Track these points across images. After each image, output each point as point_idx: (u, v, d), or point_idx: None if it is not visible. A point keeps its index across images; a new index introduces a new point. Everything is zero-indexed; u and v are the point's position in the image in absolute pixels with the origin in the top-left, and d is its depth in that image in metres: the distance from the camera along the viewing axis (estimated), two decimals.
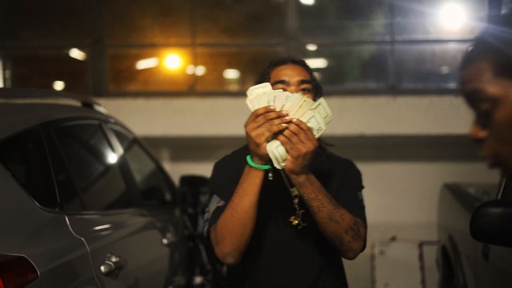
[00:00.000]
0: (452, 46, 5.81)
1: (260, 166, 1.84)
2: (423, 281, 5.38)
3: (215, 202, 2.01)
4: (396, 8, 5.67)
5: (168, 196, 4.15)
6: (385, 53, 5.79)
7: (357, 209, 2.01)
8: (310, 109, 1.84)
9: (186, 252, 4.03)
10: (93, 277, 2.46)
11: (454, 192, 4.21)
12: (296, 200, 2.00)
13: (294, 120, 1.80)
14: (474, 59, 1.07)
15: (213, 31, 6.08)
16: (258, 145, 1.79)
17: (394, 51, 5.69)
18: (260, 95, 1.85)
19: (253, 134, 1.79)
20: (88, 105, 3.45)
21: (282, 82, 1.97)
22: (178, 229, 3.88)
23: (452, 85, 5.66)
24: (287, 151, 1.80)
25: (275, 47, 5.95)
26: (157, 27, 6.10)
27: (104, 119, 3.39)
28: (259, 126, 1.79)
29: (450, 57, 5.78)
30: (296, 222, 2.02)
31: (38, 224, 2.28)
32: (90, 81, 6.02)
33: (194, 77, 5.95)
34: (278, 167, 1.83)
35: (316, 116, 1.84)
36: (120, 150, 3.44)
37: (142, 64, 6.26)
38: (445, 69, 5.91)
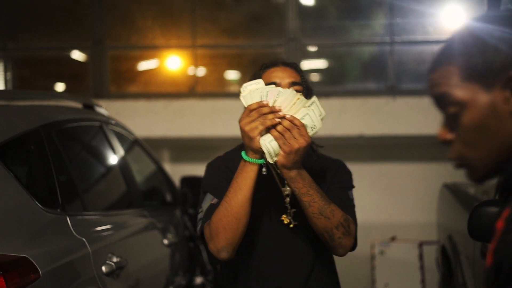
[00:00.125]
0: None
1: (254, 160, 1.88)
2: (423, 281, 5.40)
3: (209, 200, 2.04)
4: (396, 9, 5.69)
5: (168, 197, 4.17)
6: (384, 54, 5.81)
7: (348, 207, 2.03)
8: (304, 107, 1.87)
9: (187, 253, 4.05)
10: (94, 277, 2.48)
11: (454, 192, 4.23)
12: (287, 199, 2.04)
13: (288, 116, 1.83)
14: (443, 62, 1.08)
15: (214, 32, 6.10)
16: (251, 139, 1.83)
17: (393, 52, 5.71)
18: (253, 90, 1.89)
19: (246, 128, 1.83)
20: (89, 107, 3.47)
21: (273, 84, 2.00)
22: (179, 230, 3.90)
23: None
24: (280, 146, 1.83)
25: (275, 48, 5.97)
26: (157, 28, 6.12)
27: (105, 121, 3.41)
28: (252, 121, 1.83)
29: None
30: (288, 220, 2.05)
31: (40, 225, 2.30)
32: (91, 83, 6.05)
33: (194, 79, 5.98)
34: (271, 161, 1.87)
35: (310, 113, 1.87)
36: (121, 151, 3.46)
37: (143, 66, 6.28)
38: None
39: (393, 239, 5.59)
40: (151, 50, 6.14)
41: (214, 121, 5.46)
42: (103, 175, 3.40)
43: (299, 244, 2.07)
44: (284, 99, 1.86)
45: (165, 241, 3.51)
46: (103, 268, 2.56)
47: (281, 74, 2.04)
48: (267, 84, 1.98)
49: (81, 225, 2.56)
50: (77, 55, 6.38)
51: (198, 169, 5.48)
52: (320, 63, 6.35)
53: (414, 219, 5.67)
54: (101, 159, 3.41)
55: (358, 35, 5.99)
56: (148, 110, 5.63)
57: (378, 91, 5.70)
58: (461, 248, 3.61)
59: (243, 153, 1.90)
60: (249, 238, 2.01)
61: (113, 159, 3.38)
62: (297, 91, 1.97)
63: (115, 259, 2.66)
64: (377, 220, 5.71)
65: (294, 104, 1.86)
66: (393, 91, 5.58)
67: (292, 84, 2.02)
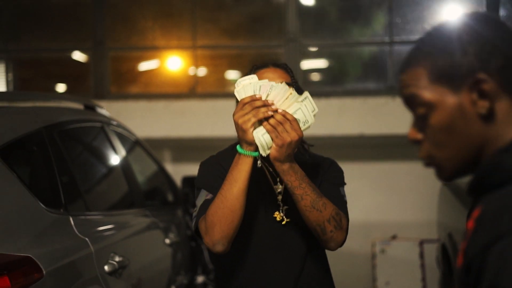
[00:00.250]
0: None
1: (249, 152, 1.92)
2: (423, 279, 5.42)
3: (203, 196, 2.08)
4: (395, 9, 5.71)
5: (170, 197, 4.20)
6: (384, 54, 5.84)
7: (339, 203, 2.06)
8: (297, 102, 1.92)
9: (189, 252, 4.07)
10: (97, 276, 2.51)
11: (454, 191, 4.25)
12: (279, 197, 2.09)
13: (280, 110, 1.88)
14: (412, 64, 1.10)
15: (214, 33, 6.12)
16: (244, 131, 1.88)
17: (393, 52, 5.73)
18: (246, 85, 1.94)
19: (240, 121, 1.88)
20: (90, 108, 3.49)
21: None
22: (181, 229, 3.93)
23: None
24: (272, 139, 1.88)
25: (275, 48, 6.00)
26: (158, 29, 6.14)
27: (106, 122, 3.43)
28: (246, 114, 1.88)
29: None
30: (280, 217, 2.09)
31: (43, 225, 2.33)
32: (92, 83, 6.07)
33: (195, 79, 6.00)
34: (264, 154, 1.90)
35: (303, 108, 1.91)
36: (122, 152, 3.48)
37: (143, 66, 6.30)
38: None
39: (393, 237, 5.61)
40: (151, 51, 6.16)
41: (215, 122, 5.48)
42: (105, 175, 3.42)
43: (292, 240, 2.10)
44: (277, 93, 1.90)
45: (167, 241, 3.53)
46: (106, 267, 2.58)
47: (272, 75, 2.07)
48: None
49: (84, 225, 2.59)
50: (78, 56, 6.40)
51: None
52: (320, 63, 6.37)
53: (415, 217, 5.69)
54: (103, 159, 3.44)
55: (357, 35, 6.01)
56: (148, 111, 5.65)
57: (378, 91, 5.72)
58: None
59: (238, 147, 1.94)
60: (243, 234, 2.04)
61: (114, 159, 3.41)
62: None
63: (117, 259, 2.68)
64: (377, 219, 5.73)
65: (286, 98, 1.91)
66: (393, 91, 5.60)
67: None
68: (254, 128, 1.89)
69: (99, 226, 2.76)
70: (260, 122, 1.89)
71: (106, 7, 6.08)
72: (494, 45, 1.04)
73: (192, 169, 5.39)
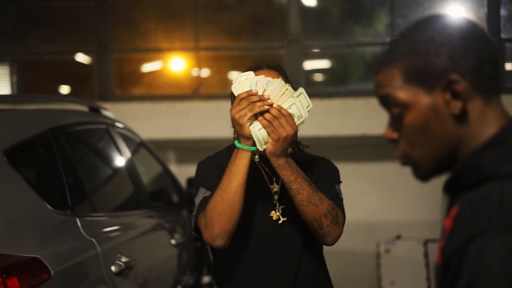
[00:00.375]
0: None
1: (247, 147, 1.96)
2: (428, 278, 5.44)
3: (201, 194, 2.10)
4: (397, 10, 5.72)
5: (175, 198, 4.21)
6: None
7: (335, 200, 2.09)
8: (292, 97, 1.96)
9: (194, 252, 4.09)
10: (104, 276, 2.53)
11: None
12: (276, 197, 2.13)
13: (275, 105, 1.93)
14: (387, 64, 1.12)
15: (216, 35, 6.14)
16: (241, 126, 1.92)
17: None
18: (243, 81, 1.99)
19: (236, 116, 1.93)
20: (95, 110, 3.52)
21: None
22: (186, 230, 3.95)
23: None
24: (268, 133, 1.92)
25: (278, 49, 6.02)
26: (161, 31, 6.17)
27: (111, 124, 3.46)
28: (242, 109, 1.93)
29: None
30: (276, 216, 2.12)
31: (50, 226, 2.35)
32: (96, 85, 6.10)
33: (198, 80, 6.02)
34: (260, 149, 1.95)
35: (297, 103, 1.96)
36: (127, 153, 3.51)
37: (147, 68, 6.33)
38: None
39: (398, 237, 5.62)
40: (155, 52, 6.19)
41: (218, 122, 5.50)
42: (111, 176, 3.45)
43: (288, 238, 2.13)
44: (273, 89, 1.95)
45: (173, 241, 3.55)
46: (113, 268, 2.60)
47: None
48: None
49: (90, 226, 2.61)
50: (82, 58, 6.43)
51: None
52: (323, 64, 6.38)
53: (419, 217, 5.70)
54: (108, 161, 3.46)
55: (360, 35, 6.02)
56: (152, 112, 5.68)
57: None
58: None
59: (236, 142, 1.99)
60: (240, 233, 2.07)
61: (120, 161, 3.43)
62: None
63: (124, 259, 2.70)
64: (382, 219, 5.75)
65: (282, 94, 1.95)
66: None
67: None
68: (251, 124, 1.93)
69: (106, 227, 2.78)
70: (256, 118, 1.93)
71: (109, 9, 6.11)
72: (466, 46, 1.06)
73: None
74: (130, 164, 3.50)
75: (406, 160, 1.13)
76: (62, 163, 2.63)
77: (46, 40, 6.39)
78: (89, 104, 3.53)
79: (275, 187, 2.14)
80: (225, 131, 5.50)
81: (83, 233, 2.51)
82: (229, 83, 6.27)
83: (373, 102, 5.46)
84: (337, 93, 5.66)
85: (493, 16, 5.62)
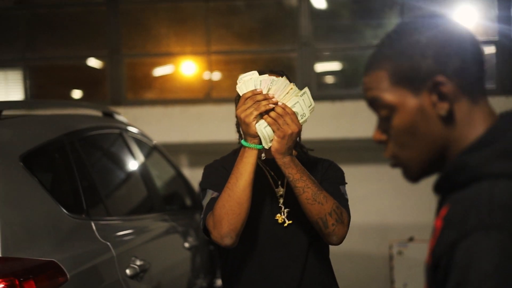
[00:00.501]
0: None
1: (253, 145, 1.99)
2: None
3: (209, 195, 2.13)
4: (407, 12, 5.72)
5: (188, 201, 4.24)
6: None
7: (340, 200, 2.11)
8: (296, 96, 1.99)
9: (207, 255, 4.11)
10: (119, 280, 2.56)
11: None
12: (281, 200, 2.16)
13: (280, 104, 1.96)
14: (374, 67, 1.13)
15: (228, 38, 6.17)
16: (247, 125, 1.96)
17: None
18: (247, 80, 2.02)
19: (242, 115, 1.97)
20: (109, 115, 3.55)
21: None
22: (199, 233, 3.96)
23: None
24: (274, 131, 1.95)
25: (289, 53, 6.03)
26: (172, 35, 6.20)
27: (125, 128, 3.49)
28: (248, 108, 1.96)
29: None
30: (282, 220, 2.15)
31: (66, 230, 2.38)
32: (108, 90, 6.14)
33: (210, 84, 6.05)
34: (266, 146, 1.98)
35: (301, 102, 1.99)
36: (141, 157, 3.54)
37: (159, 73, 6.36)
38: None
39: (411, 239, 5.62)
40: (166, 57, 6.22)
41: (230, 126, 5.47)
42: (125, 180, 3.48)
43: (293, 241, 2.16)
44: (278, 88, 1.98)
45: (186, 244, 3.57)
46: (127, 271, 2.63)
47: None
48: None
49: (105, 230, 2.64)
50: (94, 63, 6.48)
51: None
52: (334, 66, 6.39)
53: (432, 219, 5.61)
54: (122, 165, 3.49)
55: (370, 37, 6.03)
56: (165, 116, 5.71)
57: None
58: None
59: (242, 141, 2.02)
60: (247, 236, 2.09)
61: (133, 165, 3.46)
62: None
63: (138, 262, 2.73)
64: (394, 221, 5.74)
65: (287, 93, 1.98)
66: None
67: None
68: (257, 122, 1.96)
69: (120, 231, 2.81)
70: (261, 116, 1.96)
71: (121, 14, 6.15)
72: (451, 48, 1.06)
73: None
74: (143, 168, 3.53)
75: (396, 162, 1.14)
76: (77, 168, 2.66)
77: (58, 46, 6.44)
78: (103, 109, 3.57)
79: (280, 191, 2.17)
80: (237, 134, 5.53)
81: (98, 236, 2.54)
82: None
83: None
84: (349, 96, 5.66)
85: (503, 17, 5.61)
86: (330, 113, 5.40)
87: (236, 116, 2.02)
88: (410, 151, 1.10)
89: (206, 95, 5.98)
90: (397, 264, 5.53)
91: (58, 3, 6.48)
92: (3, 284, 1.97)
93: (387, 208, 5.71)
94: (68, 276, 2.19)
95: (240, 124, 2.00)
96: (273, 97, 1.96)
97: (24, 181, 2.30)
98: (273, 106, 1.95)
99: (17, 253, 2.10)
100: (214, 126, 5.60)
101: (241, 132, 2.07)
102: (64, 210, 2.39)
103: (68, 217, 2.41)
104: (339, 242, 2.07)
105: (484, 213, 0.94)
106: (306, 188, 1.99)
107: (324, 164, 2.24)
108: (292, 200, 2.08)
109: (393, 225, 5.74)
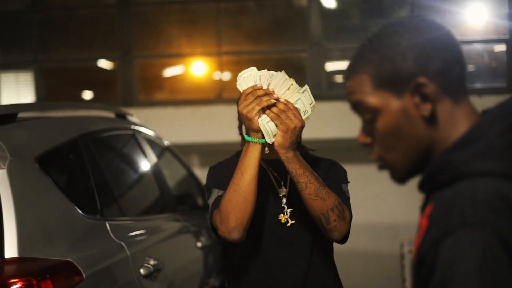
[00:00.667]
0: (475, 46, 5.85)
1: (257, 140, 2.00)
2: None
3: (215, 194, 2.16)
4: (417, 11, 5.72)
5: (200, 201, 4.26)
6: None
7: (342, 198, 2.12)
8: (297, 92, 2.01)
9: (220, 255, 4.13)
10: (133, 279, 2.59)
11: None
12: (284, 200, 2.18)
13: (282, 99, 1.97)
14: (356, 71, 1.13)
15: (238, 39, 6.20)
16: (250, 120, 1.97)
17: None
18: (247, 77, 2.03)
19: (244, 111, 1.98)
20: (121, 116, 3.59)
21: None
22: (211, 233, 3.99)
23: (476, 85, 5.70)
24: (277, 125, 1.97)
25: (299, 52, 6.05)
26: (183, 37, 6.24)
27: (137, 129, 3.52)
28: (249, 103, 1.97)
29: (472, 58, 5.82)
30: (285, 219, 2.17)
31: (81, 230, 2.42)
32: (120, 91, 6.19)
33: (220, 85, 6.08)
34: (269, 141, 1.99)
35: (302, 99, 2.01)
36: (153, 158, 3.57)
37: (170, 73, 6.40)
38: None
39: None
40: (177, 58, 6.26)
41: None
42: (138, 181, 3.51)
43: (297, 240, 2.18)
44: (277, 82, 1.99)
45: (199, 244, 3.60)
46: (142, 271, 2.66)
47: None
48: None
49: (119, 230, 2.67)
50: (106, 64, 6.52)
51: None
52: (344, 66, 6.39)
53: None
54: (135, 166, 3.53)
55: None
56: (176, 117, 5.74)
57: None
58: None
59: (246, 136, 2.04)
60: (251, 235, 2.12)
61: (146, 165, 3.50)
62: None
63: (152, 262, 2.76)
64: (405, 220, 5.74)
65: (288, 89, 1.99)
66: None
67: None
68: (259, 117, 1.97)
69: (134, 231, 2.85)
70: (263, 111, 1.98)
71: (132, 16, 6.20)
72: (432, 50, 1.07)
73: None
74: (156, 168, 3.56)
75: (382, 164, 1.15)
76: (91, 169, 2.70)
77: (70, 47, 6.50)
78: (115, 111, 3.60)
79: (283, 191, 2.19)
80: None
81: (113, 236, 2.57)
82: None
83: None
84: None
85: None
86: (341, 113, 5.39)
87: (238, 113, 2.03)
88: (396, 153, 1.11)
89: (217, 95, 6.01)
90: (408, 263, 5.53)
91: (69, 5, 6.54)
92: (20, 283, 2.01)
93: (398, 207, 5.72)
94: (84, 275, 2.23)
95: (243, 120, 2.02)
96: (273, 92, 1.97)
97: (40, 182, 2.33)
98: (275, 101, 1.96)
99: (33, 253, 2.14)
100: (225, 126, 5.62)
101: (242, 133, 2.09)
102: (79, 211, 2.43)
103: (83, 218, 2.44)
104: (341, 238, 2.09)
105: (467, 211, 0.95)
106: (308, 183, 2.01)
107: (327, 163, 2.26)
108: (295, 200, 2.11)
109: (404, 223, 5.74)
